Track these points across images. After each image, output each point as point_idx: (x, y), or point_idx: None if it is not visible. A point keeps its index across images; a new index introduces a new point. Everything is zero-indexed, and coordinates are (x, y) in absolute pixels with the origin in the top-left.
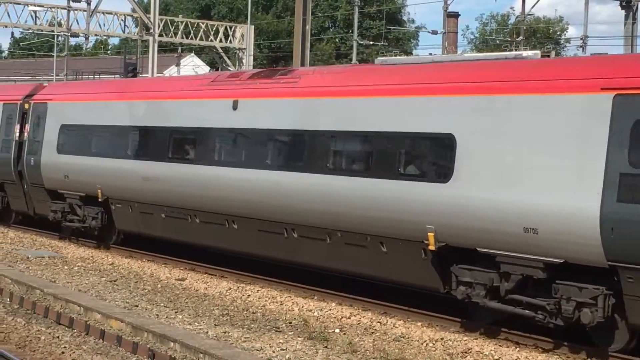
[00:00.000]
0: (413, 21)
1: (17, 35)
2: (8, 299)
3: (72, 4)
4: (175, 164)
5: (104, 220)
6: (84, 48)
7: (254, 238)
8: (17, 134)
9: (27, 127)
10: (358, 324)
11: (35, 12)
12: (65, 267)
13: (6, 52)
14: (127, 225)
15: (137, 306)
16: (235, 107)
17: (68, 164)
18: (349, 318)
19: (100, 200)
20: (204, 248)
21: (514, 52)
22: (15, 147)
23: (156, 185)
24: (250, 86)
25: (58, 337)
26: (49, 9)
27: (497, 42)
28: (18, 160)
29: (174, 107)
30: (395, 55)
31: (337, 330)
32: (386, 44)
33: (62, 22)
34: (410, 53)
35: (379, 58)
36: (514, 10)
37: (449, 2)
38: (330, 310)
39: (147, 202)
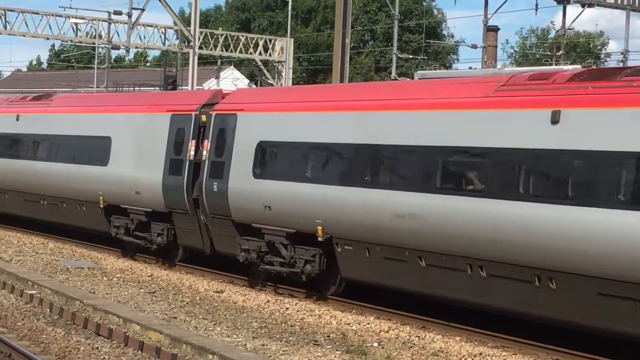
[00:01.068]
0: (452, 35)
1: (57, 47)
2: (48, 310)
3: (113, 17)
4: (448, 195)
5: (323, 266)
6: (124, 60)
7: None
8: (192, 153)
9: (206, 144)
10: (396, 338)
11: (76, 24)
12: (105, 278)
13: (45, 63)
14: (359, 273)
15: (176, 318)
16: (555, 121)
17: (271, 192)
18: (387, 332)
19: (320, 239)
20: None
21: (554, 67)
22: (189, 169)
23: (414, 223)
24: (577, 91)
25: (97, 348)
26: (90, 22)
27: (537, 56)
28: (193, 186)
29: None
30: (435, 70)
31: (376, 344)
32: (425, 57)
33: (103, 34)
34: (450, 67)
35: (418, 72)
36: (554, 25)
37: (488, 16)
38: (368, 324)
39: (396, 245)
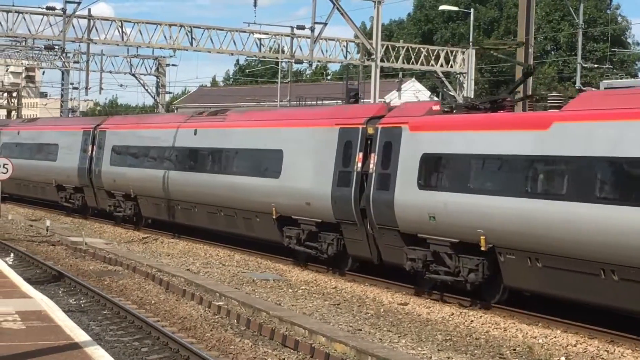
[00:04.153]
0: (638, 43)
1: (242, 62)
2: (235, 321)
3: (296, 31)
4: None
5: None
6: (304, 74)
7: None
8: (359, 165)
9: (374, 156)
10: (584, 352)
11: (260, 39)
12: (290, 290)
13: (231, 79)
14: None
15: (361, 330)
16: None
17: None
18: (575, 346)
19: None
20: None
21: None
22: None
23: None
24: None
25: (284, 359)
26: (273, 37)
27: None
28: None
29: None
30: (621, 78)
31: (563, 359)
32: (610, 66)
33: (286, 49)
34: (636, 76)
35: (604, 81)
36: None
37: None
38: (555, 337)
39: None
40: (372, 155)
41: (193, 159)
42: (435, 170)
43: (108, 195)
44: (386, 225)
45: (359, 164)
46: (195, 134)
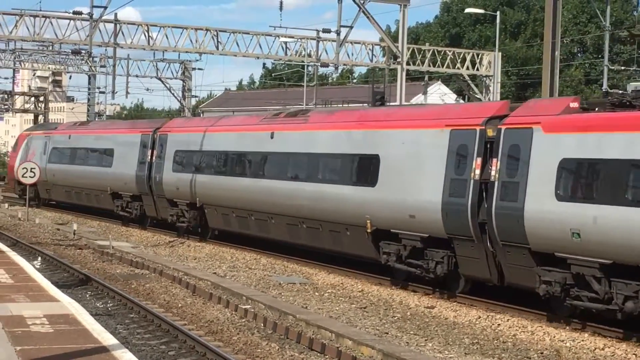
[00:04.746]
0: None
1: (269, 66)
2: (262, 324)
3: (322, 35)
4: None
5: None
6: (330, 78)
7: None
8: (478, 172)
9: (496, 162)
10: (612, 355)
11: (285, 43)
12: (316, 293)
13: (258, 82)
14: None
15: (387, 333)
16: None
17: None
18: (603, 349)
19: None
20: None
21: None
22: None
23: None
24: None
25: None
26: (299, 40)
27: None
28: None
29: None
30: None
31: None
32: (638, 68)
33: (312, 52)
34: None
35: (631, 83)
36: None
37: None
38: (583, 340)
39: None
40: (495, 160)
41: (269, 164)
42: (581, 179)
43: (170, 204)
44: (513, 242)
45: (477, 171)
46: (272, 137)
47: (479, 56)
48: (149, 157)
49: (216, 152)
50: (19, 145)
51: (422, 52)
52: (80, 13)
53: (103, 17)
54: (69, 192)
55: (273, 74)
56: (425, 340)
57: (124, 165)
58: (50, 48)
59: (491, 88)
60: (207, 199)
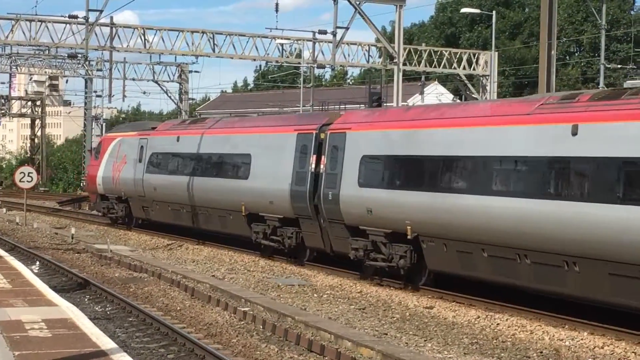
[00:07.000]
0: None
1: (265, 67)
2: (261, 326)
3: (318, 36)
4: None
5: None
6: (322, 79)
7: None
8: (313, 166)
9: (323, 158)
10: (611, 354)
11: (282, 45)
12: (315, 295)
13: (252, 84)
14: None
15: (387, 334)
16: None
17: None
18: (602, 348)
19: None
20: None
21: None
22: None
23: None
24: None
25: None
26: (295, 42)
27: None
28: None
29: None
30: None
31: None
32: (635, 67)
33: (307, 54)
34: None
35: (627, 82)
36: None
37: None
38: (582, 339)
39: None
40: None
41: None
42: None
43: (350, 232)
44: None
45: (313, 165)
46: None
47: (476, 56)
48: (314, 166)
49: (440, 159)
50: (102, 150)
51: (418, 52)
52: (76, 17)
53: (99, 21)
54: (177, 210)
55: (268, 77)
56: (425, 340)
57: (269, 176)
58: (47, 52)
59: (488, 88)
60: (425, 228)
